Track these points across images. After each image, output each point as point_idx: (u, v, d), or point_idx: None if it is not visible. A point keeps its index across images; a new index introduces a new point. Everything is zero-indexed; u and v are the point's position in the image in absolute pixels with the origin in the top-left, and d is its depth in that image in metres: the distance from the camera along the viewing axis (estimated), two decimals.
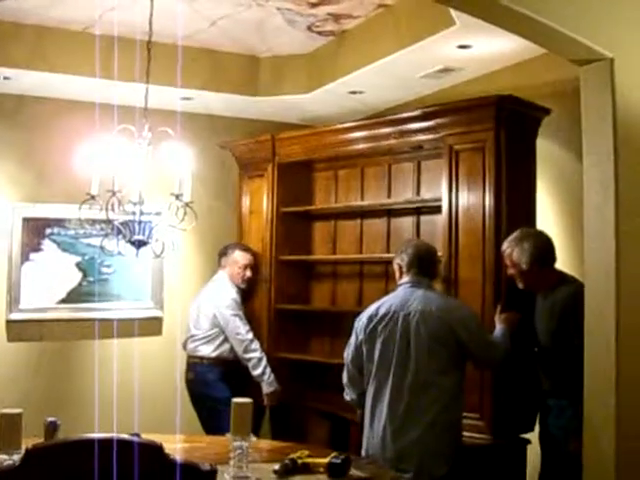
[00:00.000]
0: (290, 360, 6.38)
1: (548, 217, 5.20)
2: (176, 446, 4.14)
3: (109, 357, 6.07)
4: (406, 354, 4.22)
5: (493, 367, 4.58)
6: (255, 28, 5.66)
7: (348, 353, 4.52)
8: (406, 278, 4.45)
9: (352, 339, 4.51)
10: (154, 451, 2.69)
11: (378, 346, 4.33)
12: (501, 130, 4.80)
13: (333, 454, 3.74)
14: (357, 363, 4.47)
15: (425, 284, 4.41)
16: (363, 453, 4.42)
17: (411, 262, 4.43)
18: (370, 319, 4.40)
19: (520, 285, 4.50)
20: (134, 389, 5.61)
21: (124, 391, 5.82)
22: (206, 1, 5.09)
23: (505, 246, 4.50)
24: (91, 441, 2.64)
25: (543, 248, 4.44)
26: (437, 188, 5.17)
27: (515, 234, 4.49)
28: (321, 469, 3.68)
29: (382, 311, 4.37)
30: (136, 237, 4.44)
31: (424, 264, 4.45)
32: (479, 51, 5.12)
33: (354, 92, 6.13)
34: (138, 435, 3.96)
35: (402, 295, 4.38)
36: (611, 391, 3.52)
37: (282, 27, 5.60)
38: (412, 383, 4.19)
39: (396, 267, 4.55)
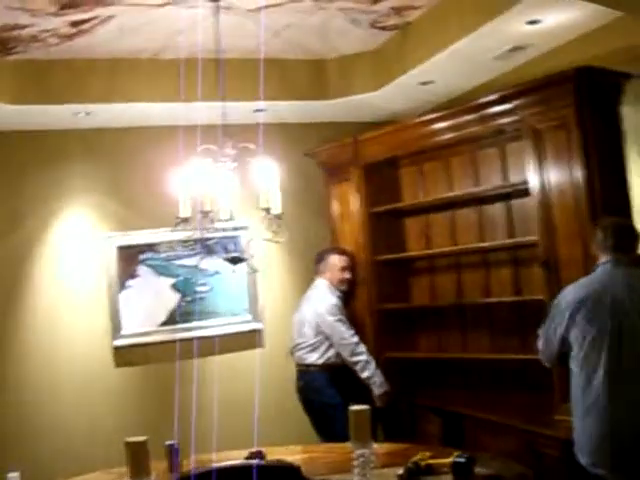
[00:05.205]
0: (397, 359, 6.34)
1: None
2: (297, 457, 4.16)
3: (214, 374, 6.07)
4: (620, 337, 3.86)
5: None
6: (319, 32, 5.64)
7: (546, 331, 4.19)
8: (605, 257, 4.10)
9: (554, 320, 4.12)
10: (292, 473, 2.70)
11: (586, 331, 3.94)
12: (582, 103, 4.67)
13: (456, 453, 3.70)
14: (553, 348, 4.16)
15: (625, 261, 4.04)
16: (575, 450, 4.06)
17: (608, 239, 4.09)
18: (572, 302, 4.03)
19: None
20: (244, 404, 5.66)
21: (233, 406, 5.89)
22: (269, 13, 5.09)
23: None
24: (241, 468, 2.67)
25: None
26: (524, 170, 5.07)
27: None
28: (445, 469, 3.64)
29: (585, 294, 4.01)
30: (233, 254, 4.47)
31: (623, 240, 4.09)
32: (548, 25, 4.98)
33: (425, 83, 6.03)
34: (261, 453, 4.01)
35: (604, 275, 4.06)
36: None
37: (345, 27, 5.57)
38: (629, 368, 3.83)
39: (594, 247, 4.23)
